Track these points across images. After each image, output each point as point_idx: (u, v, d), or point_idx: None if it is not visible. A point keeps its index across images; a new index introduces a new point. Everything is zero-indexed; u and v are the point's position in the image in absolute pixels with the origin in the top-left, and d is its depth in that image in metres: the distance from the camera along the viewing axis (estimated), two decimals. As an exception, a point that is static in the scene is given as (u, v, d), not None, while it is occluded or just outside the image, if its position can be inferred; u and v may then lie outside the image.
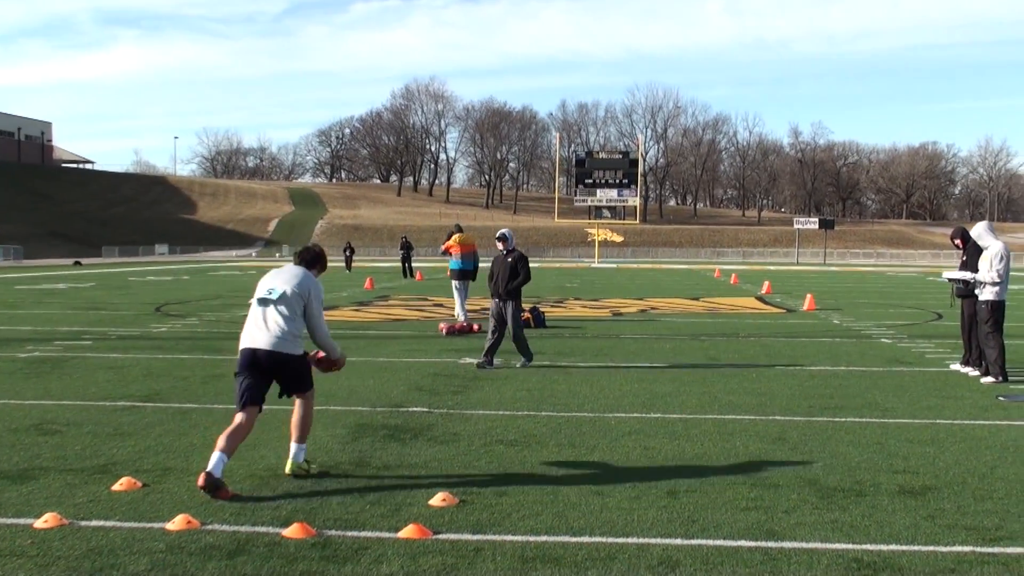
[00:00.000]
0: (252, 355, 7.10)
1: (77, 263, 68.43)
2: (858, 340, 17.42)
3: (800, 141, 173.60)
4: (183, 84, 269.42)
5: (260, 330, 7.12)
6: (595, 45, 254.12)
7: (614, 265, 77.68)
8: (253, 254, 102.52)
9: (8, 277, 44.25)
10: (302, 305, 7.20)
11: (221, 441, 6.78)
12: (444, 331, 17.88)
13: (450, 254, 19.95)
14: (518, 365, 13.41)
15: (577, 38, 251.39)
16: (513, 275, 13.61)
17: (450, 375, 12.54)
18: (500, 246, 13.93)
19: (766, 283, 36.14)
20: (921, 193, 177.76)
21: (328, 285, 36.11)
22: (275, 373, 7.17)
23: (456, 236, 20.01)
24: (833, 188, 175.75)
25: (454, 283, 19.78)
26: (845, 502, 6.58)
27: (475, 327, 18.20)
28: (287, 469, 7.22)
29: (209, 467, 6.59)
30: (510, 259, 13.73)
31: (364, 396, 10.76)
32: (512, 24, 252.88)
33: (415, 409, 9.95)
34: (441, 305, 24.81)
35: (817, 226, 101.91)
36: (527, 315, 19.24)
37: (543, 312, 20.13)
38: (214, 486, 6.53)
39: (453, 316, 20.16)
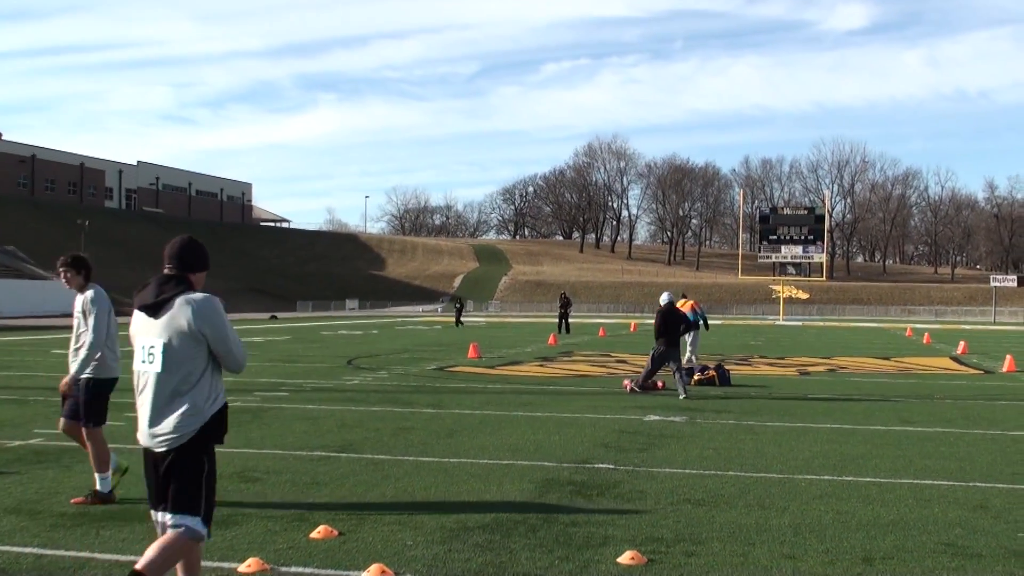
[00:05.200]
0: None
1: (273, 317, 71.31)
2: (1065, 404, 16.54)
3: (996, 196, 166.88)
4: (375, 145, 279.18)
5: None
6: (783, 100, 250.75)
7: (799, 323, 75.94)
8: (439, 309, 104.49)
9: (209, 330, 46.44)
10: None
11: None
12: (628, 388, 17.84)
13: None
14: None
15: (765, 93, 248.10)
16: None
17: (635, 432, 12.50)
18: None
19: (961, 343, 34.68)
20: None
21: (502, 341, 36.54)
22: None
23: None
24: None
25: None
26: (1055, 575, 6.25)
27: (660, 384, 18.09)
28: None
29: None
30: None
31: (550, 451, 10.84)
32: (700, 80, 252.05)
33: (601, 466, 9.95)
34: (624, 361, 24.74)
35: (1016, 284, 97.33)
36: (712, 372, 19.07)
37: (728, 370, 19.85)
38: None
39: (636, 372, 20.54)
